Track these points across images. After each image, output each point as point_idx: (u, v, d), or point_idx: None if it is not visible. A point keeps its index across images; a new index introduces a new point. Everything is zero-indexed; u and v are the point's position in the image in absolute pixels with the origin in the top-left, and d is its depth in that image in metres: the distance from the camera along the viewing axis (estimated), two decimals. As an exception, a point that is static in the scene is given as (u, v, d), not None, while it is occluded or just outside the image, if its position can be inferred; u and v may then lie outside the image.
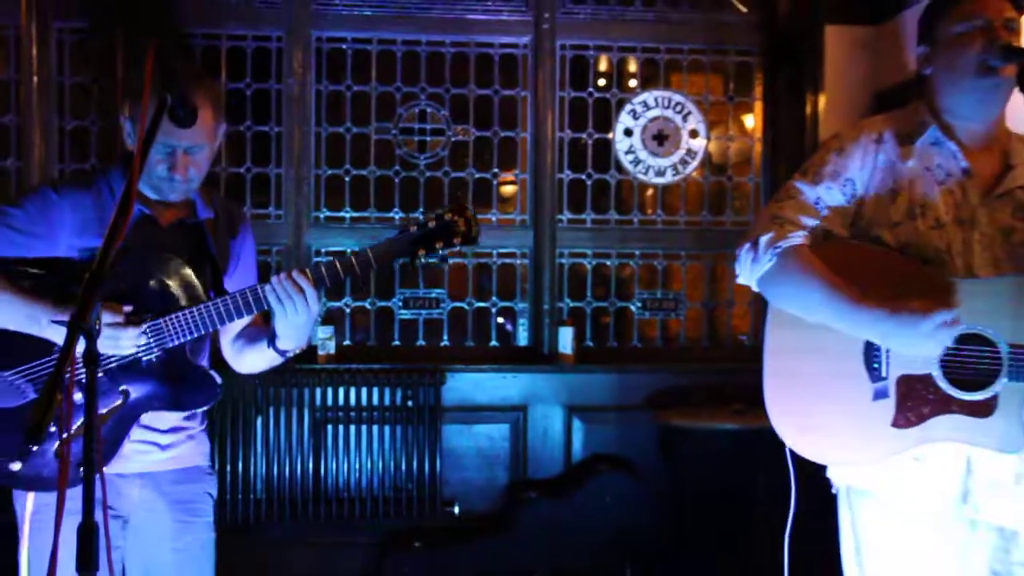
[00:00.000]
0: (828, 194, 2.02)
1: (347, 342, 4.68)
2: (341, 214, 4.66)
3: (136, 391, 2.08)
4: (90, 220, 2.09)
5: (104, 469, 2.07)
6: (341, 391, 4.36)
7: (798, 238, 2.00)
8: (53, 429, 1.91)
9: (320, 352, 4.44)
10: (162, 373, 2.09)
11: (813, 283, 1.95)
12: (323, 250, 4.59)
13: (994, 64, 1.91)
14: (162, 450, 2.20)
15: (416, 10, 4.66)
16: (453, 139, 4.72)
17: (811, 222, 2.02)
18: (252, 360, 2.28)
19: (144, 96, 1.70)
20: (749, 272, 2.07)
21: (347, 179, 4.66)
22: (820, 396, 1.99)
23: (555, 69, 4.71)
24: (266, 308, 2.05)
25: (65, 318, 1.53)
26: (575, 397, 4.57)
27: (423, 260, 2.04)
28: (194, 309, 2.04)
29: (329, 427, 4.36)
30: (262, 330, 2.25)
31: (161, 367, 2.08)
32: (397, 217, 4.66)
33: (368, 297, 4.67)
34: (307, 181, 4.61)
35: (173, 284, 2.09)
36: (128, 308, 2.02)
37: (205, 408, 2.19)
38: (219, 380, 2.19)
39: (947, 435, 1.91)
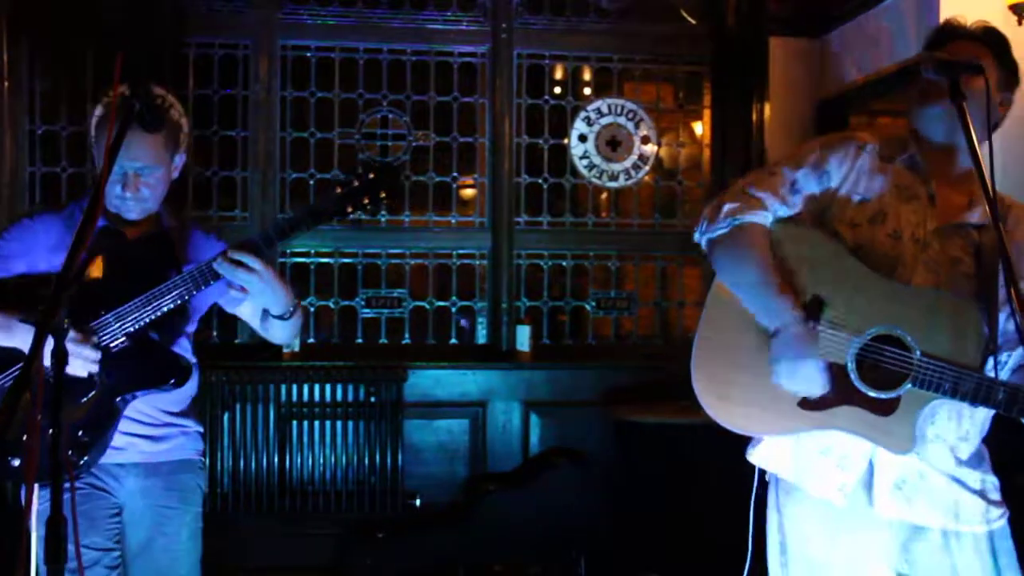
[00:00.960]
0: (805, 179, 2.09)
1: (311, 340, 4.79)
2: (305, 216, 4.76)
3: (109, 377, 2.24)
4: (63, 237, 2.30)
5: (102, 459, 2.28)
6: (306, 388, 4.46)
7: (759, 217, 2.07)
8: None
9: (285, 350, 4.54)
10: (130, 356, 2.25)
11: (752, 262, 2.03)
12: (288, 251, 4.70)
13: (928, 76, 1.95)
14: (155, 442, 2.40)
15: (378, 20, 4.79)
16: (414, 144, 4.84)
17: (777, 205, 2.08)
18: (275, 331, 2.46)
19: (112, 101, 1.86)
20: (704, 231, 2.14)
21: (311, 182, 4.77)
22: (741, 367, 2.07)
23: (512, 77, 4.86)
24: (218, 279, 2.21)
25: (32, 319, 1.67)
26: (532, 393, 4.70)
27: (352, 215, 2.25)
28: (149, 293, 2.22)
29: (294, 423, 4.46)
30: None
31: (129, 351, 2.25)
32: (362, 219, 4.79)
33: (332, 296, 4.79)
34: (272, 184, 4.71)
35: (136, 280, 2.25)
36: (95, 337, 2.18)
37: (175, 385, 2.34)
38: (191, 360, 2.40)
39: (845, 425, 1.99)
